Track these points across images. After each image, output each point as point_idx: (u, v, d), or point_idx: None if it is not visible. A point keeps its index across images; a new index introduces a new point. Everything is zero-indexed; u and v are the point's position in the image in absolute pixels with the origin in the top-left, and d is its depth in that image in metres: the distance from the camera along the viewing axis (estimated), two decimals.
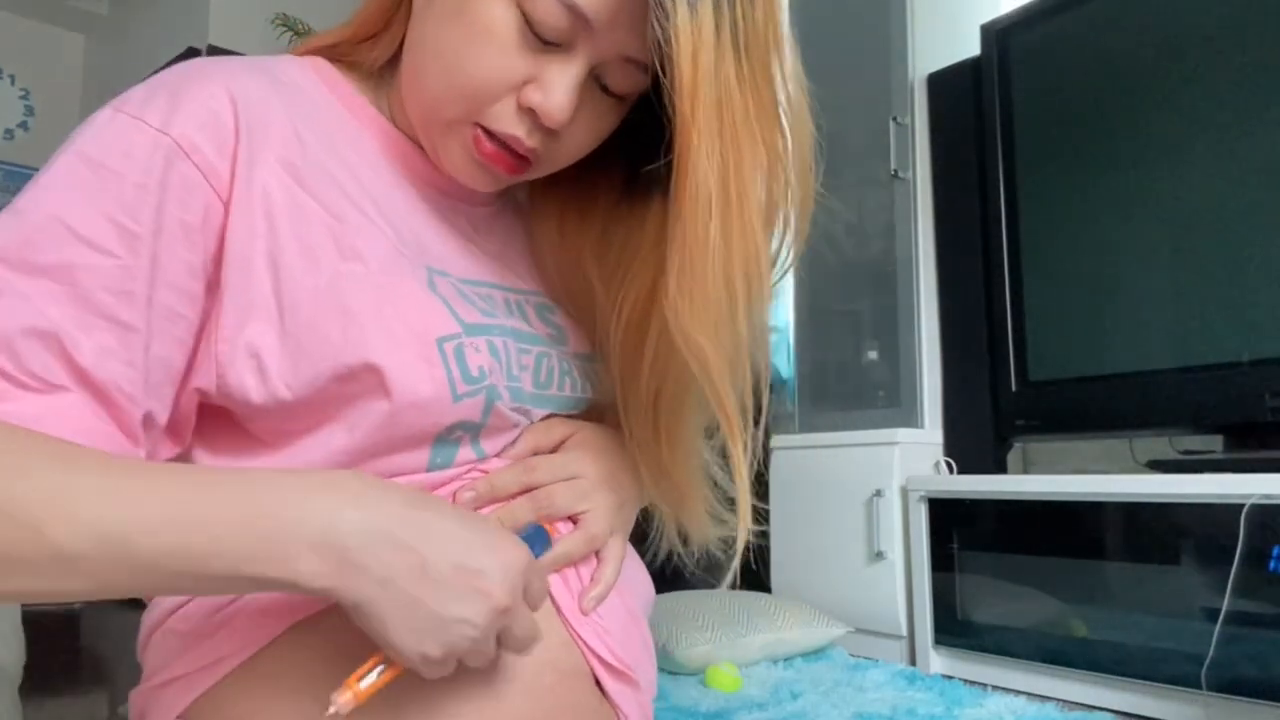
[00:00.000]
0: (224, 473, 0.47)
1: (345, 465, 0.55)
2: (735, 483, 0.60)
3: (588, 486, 0.62)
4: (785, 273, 0.64)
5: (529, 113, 0.57)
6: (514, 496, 0.60)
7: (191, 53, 3.08)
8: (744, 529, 0.61)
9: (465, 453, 0.58)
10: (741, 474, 0.60)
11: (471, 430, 0.58)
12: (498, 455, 0.62)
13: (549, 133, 0.58)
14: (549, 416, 0.67)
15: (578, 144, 0.61)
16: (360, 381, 0.53)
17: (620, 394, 0.66)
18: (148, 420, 0.52)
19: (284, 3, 3.09)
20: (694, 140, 0.53)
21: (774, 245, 0.62)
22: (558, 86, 0.55)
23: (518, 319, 0.64)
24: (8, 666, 0.89)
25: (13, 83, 3.77)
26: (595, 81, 0.58)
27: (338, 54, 0.66)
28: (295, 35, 2.98)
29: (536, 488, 0.61)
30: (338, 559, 0.44)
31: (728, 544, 0.70)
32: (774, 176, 0.58)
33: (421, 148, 0.65)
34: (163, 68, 0.59)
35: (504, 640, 0.49)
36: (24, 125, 3.79)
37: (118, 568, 0.43)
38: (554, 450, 0.65)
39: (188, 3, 3.19)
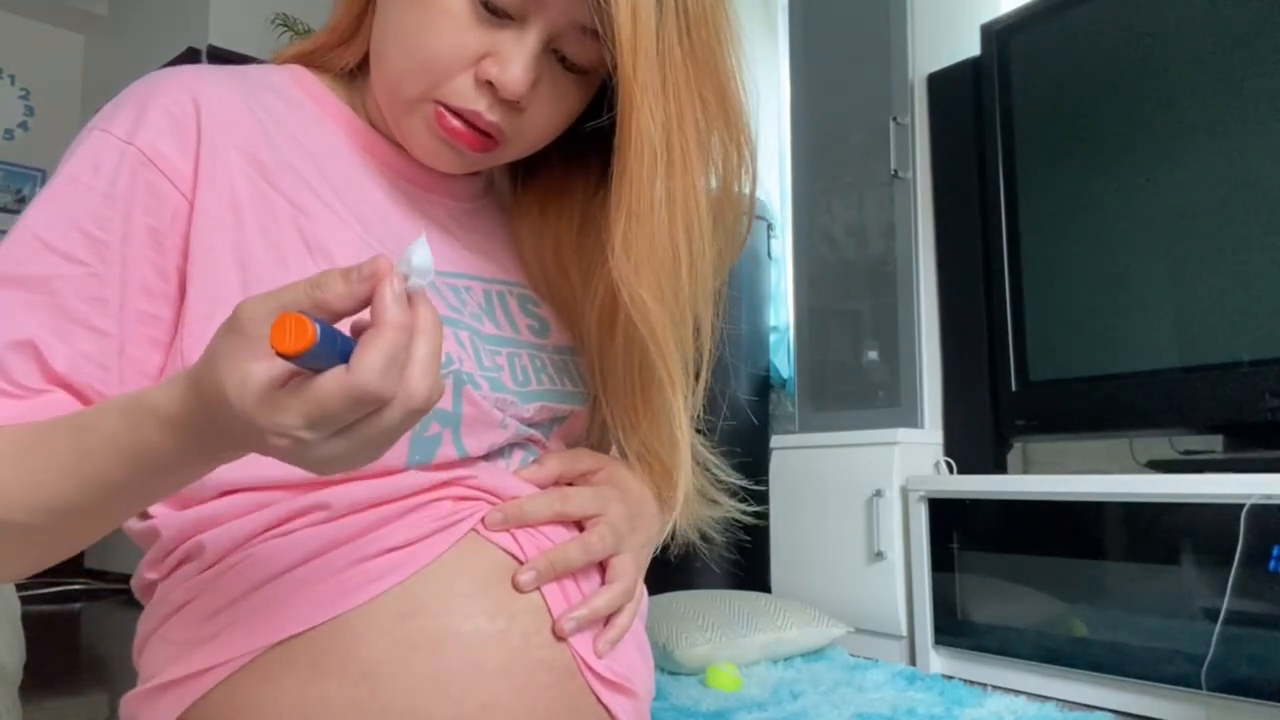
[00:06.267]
0: (104, 439, 0.46)
1: None
2: (677, 435, 0.63)
3: (620, 527, 0.63)
4: (743, 243, 0.67)
5: (488, 87, 0.58)
6: (546, 523, 0.61)
7: (191, 53, 3.08)
8: (684, 480, 0.63)
9: (446, 450, 0.58)
10: (683, 427, 0.62)
11: (447, 422, 0.57)
12: (484, 457, 0.61)
13: (510, 108, 0.59)
14: (568, 441, 0.68)
15: (542, 121, 0.62)
16: None
17: (600, 378, 0.67)
18: None
19: (283, 3, 3.09)
20: (636, 96, 0.55)
21: (730, 216, 0.64)
22: (514, 58, 0.57)
23: (488, 318, 0.64)
24: (8, 666, 0.89)
25: (13, 83, 3.77)
26: (554, 56, 0.60)
27: (313, 61, 0.68)
28: (295, 35, 2.98)
29: (568, 518, 0.62)
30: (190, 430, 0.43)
31: (722, 525, 0.71)
32: (714, 138, 0.60)
33: (398, 144, 0.66)
34: (162, 68, 0.60)
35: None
36: (24, 125, 3.79)
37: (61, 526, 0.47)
38: (578, 480, 0.65)
39: (188, 3, 3.19)
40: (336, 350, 0.38)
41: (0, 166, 3.70)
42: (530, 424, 0.64)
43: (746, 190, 0.65)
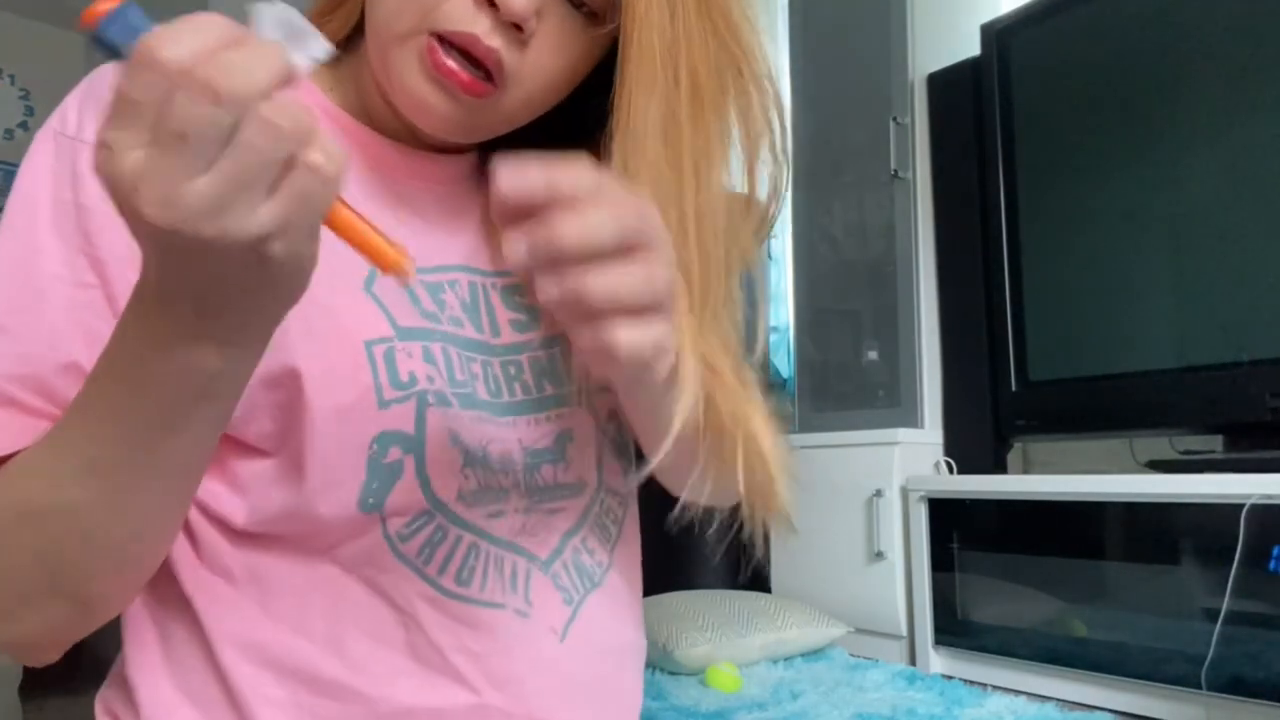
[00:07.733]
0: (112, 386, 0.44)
1: (283, 487, 0.54)
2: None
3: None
4: (782, 187, 0.62)
5: (489, 8, 0.53)
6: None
7: None
8: (688, 397, 0.52)
9: (408, 483, 0.55)
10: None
11: (410, 448, 0.54)
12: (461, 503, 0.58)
13: (512, 36, 0.54)
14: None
15: (544, 63, 0.56)
16: (284, 388, 0.52)
17: None
18: None
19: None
20: (640, 9, 0.53)
21: (760, 156, 0.60)
22: None
23: (470, 319, 0.62)
24: (8, 666, 0.89)
25: (13, 83, 3.77)
26: None
27: None
28: None
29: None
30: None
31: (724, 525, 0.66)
32: (728, 72, 0.57)
33: (382, 135, 0.63)
34: None
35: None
36: (24, 125, 3.79)
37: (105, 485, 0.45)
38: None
39: (188, 3, 3.18)
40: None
41: (0, 166, 3.70)
42: (542, 488, 0.61)
43: (776, 126, 0.60)
